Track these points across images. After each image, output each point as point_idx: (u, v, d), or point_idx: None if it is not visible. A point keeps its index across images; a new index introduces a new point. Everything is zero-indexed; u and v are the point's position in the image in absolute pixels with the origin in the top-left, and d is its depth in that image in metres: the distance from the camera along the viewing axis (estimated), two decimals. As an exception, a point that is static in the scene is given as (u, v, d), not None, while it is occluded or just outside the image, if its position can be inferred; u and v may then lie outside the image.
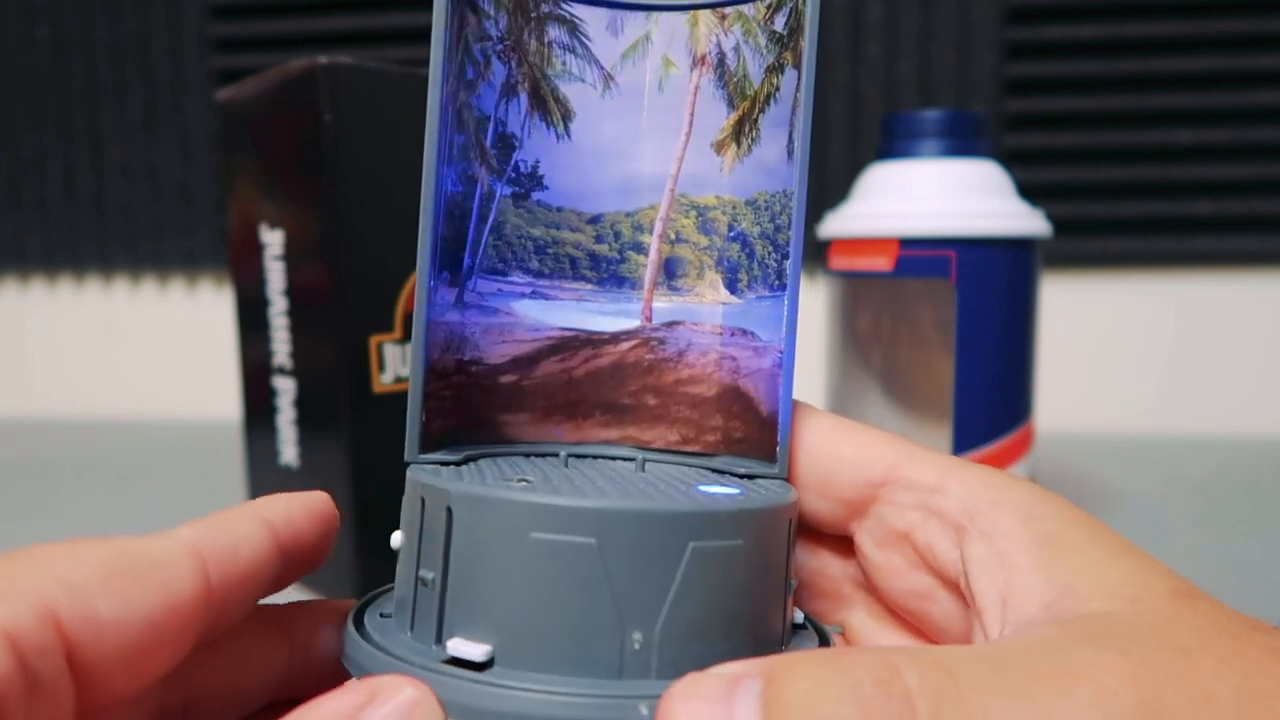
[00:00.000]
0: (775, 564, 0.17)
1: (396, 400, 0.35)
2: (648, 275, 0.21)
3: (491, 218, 0.20)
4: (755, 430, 0.20)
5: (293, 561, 0.17)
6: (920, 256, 0.40)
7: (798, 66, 0.18)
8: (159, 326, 0.84)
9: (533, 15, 0.19)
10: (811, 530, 0.20)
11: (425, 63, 0.18)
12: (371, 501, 0.35)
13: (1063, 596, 0.15)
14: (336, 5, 0.76)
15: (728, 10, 0.19)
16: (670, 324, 0.21)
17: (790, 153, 0.19)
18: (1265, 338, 0.72)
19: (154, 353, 0.84)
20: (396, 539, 0.17)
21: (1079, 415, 0.74)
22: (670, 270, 0.21)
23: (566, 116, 0.20)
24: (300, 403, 0.37)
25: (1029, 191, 0.71)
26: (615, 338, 0.21)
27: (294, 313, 0.36)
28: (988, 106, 0.70)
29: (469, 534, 0.15)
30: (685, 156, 0.20)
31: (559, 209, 0.20)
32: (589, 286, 0.21)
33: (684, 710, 0.13)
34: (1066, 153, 0.71)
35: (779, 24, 0.19)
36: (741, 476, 0.19)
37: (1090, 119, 0.70)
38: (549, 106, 0.20)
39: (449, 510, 0.16)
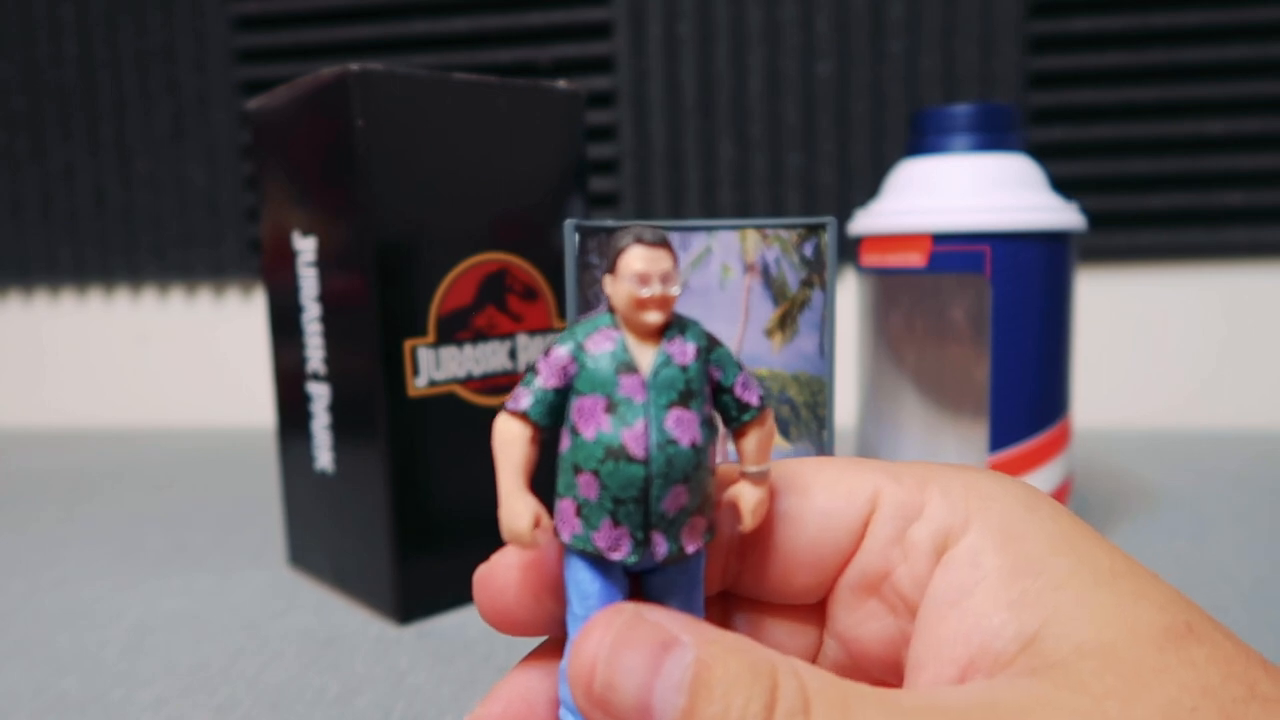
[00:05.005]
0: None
1: (431, 404, 0.35)
2: None
3: None
4: None
5: None
6: (954, 252, 0.39)
7: (823, 289, 0.25)
8: (187, 335, 0.85)
9: None
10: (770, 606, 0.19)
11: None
12: (408, 506, 0.35)
13: (1031, 648, 0.14)
14: (359, 14, 0.77)
15: (768, 232, 0.25)
16: None
17: (822, 350, 0.26)
18: (1301, 329, 0.71)
19: (183, 361, 0.85)
20: None
21: (1116, 410, 0.73)
22: None
23: None
24: (335, 408, 0.37)
25: (1057, 185, 0.71)
26: None
27: (327, 319, 0.36)
28: (1013, 101, 0.69)
29: None
30: (744, 338, 0.26)
31: None
32: None
33: (622, 656, 0.14)
34: (1094, 146, 0.70)
35: (808, 251, 0.25)
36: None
37: (1117, 111, 0.69)
38: None
39: None
